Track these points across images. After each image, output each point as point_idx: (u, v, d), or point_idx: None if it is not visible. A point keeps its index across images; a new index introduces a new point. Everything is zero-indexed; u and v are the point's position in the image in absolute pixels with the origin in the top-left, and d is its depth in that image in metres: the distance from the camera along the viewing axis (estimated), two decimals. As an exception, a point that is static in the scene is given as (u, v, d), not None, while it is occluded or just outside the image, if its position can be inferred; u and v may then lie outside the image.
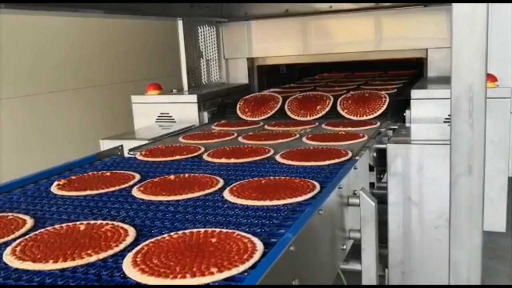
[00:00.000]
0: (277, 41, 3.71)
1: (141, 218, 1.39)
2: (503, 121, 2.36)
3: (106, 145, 2.49)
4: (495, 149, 2.33)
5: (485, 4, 1.20)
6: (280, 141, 2.27)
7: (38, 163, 2.51)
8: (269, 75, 4.13)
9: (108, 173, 1.89)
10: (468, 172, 1.24)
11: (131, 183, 1.74)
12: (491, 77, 2.46)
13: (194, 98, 3.03)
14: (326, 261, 1.44)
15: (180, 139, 2.47)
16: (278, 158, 1.94)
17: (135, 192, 1.61)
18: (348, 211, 1.61)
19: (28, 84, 3.58)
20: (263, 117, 2.98)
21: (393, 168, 2.12)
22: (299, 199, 1.42)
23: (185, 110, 3.03)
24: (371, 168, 2.17)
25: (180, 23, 3.32)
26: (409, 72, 4.19)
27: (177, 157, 2.09)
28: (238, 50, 3.79)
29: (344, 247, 1.57)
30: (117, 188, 1.69)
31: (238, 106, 3.10)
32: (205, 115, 3.05)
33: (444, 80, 2.95)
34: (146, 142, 2.45)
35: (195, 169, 1.92)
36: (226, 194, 1.51)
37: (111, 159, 2.20)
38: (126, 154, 2.31)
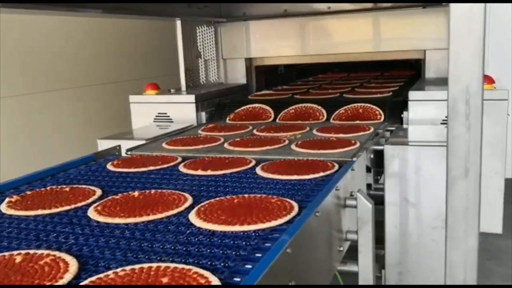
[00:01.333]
0: (275, 42, 3.71)
1: (91, 247, 1.21)
2: (500, 123, 2.36)
3: (103, 145, 2.49)
4: (492, 150, 2.33)
5: (482, 6, 1.20)
6: (267, 147, 2.16)
7: (33, 163, 2.50)
8: (267, 75, 4.14)
9: (67, 188, 1.70)
10: (464, 175, 1.24)
11: (89, 200, 1.57)
12: (488, 79, 2.47)
13: (192, 98, 3.03)
14: (323, 263, 1.44)
15: (163, 144, 2.34)
16: (258, 170, 1.80)
17: (91, 213, 1.44)
18: (345, 212, 1.62)
19: (23, 83, 3.56)
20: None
21: (390, 169, 2.13)
22: (272, 224, 1.26)
23: (183, 110, 3.03)
24: (368, 169, 2.17)
25: (178, 23, 3.32)
26: (406, 74, 4.19)
27: (151, 168, 1.94)
28: (237, 50, 3.79)
29: (341, 248, 1.57)
30: (72, 206, 1.52)
31: (227, 119, 3.01)
32: (203, 115, 3.05)
33: (442, 82, 2.96)
34: (144, 142, 2.45)
35: (165, 183, 1.75)
36: (192, 217, 1.35)
37: (76, 170, 2.01)
38: (123, 153, 2.31)
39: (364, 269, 1.60)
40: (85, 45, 4.14)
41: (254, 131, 2.59)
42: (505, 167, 2.38)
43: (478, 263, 1.35)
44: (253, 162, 1.93)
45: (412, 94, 2.61)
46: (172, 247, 1.18)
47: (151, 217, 1.37)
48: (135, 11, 2.84)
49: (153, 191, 1.61)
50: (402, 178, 2.12)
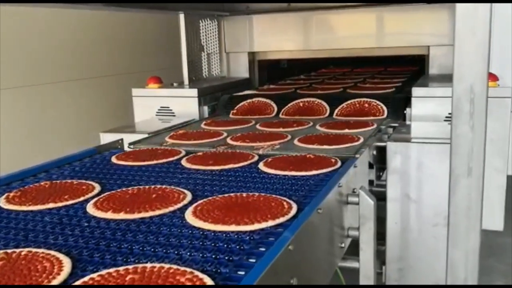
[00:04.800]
0: (278, 36, 3.71)
1: None
2: (503, 120, 2.36)
3: (106, 138, 2.50)
4: (494, 148, 2.33)
5: (488, 6, 1.20)
6: (231, 166, 1.81)
7: (35, 156, 2.50)
8: (270, 69, 4.13)
9: None
10: (467, 174, 1.24)
11: None
12: (492, 76, 2.46)
13: (194, 92, 3.03)
14: (324, 260, 1.45)
15: (113, 158, 2.01)
16: (188, 215, 1.32)
17: None
18: (347, 209, 1.62)
19: (24, 76, 3.56)
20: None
21: (393, 165, 2.13)
22: None
23: (185, 104, 3.04)
24: (370, 166, 2.17)
25: (181, 17, 3.31)
26: (409, 69, 4.17)
27: (50, 205, 1.46)
28: (239, 44, 3.79)
29: (343, 245, 1.58)
30: None
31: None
32: (205, 109, 3.05)
33: (446, 78, 2.95)
34: (146, 135, 2.45)
35: (56, 233, 1.27)
36: None
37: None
38: (126, 148, 2.31)
39: (365, 265, 1.61)
40: (87, 37, 4.12)
41: (228, 140, 2.25)
42: (507, 164, 2.38)
43: (479, 261, 1.35)
44: (188, 197, 1.47)
45: (416, 91, 2.61)
46: None
47: None
48: (138, 5, 2.83)
49: (25, 251, 1.15)
50: (404, 175, 2.12)
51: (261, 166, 1.79)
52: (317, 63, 4.79)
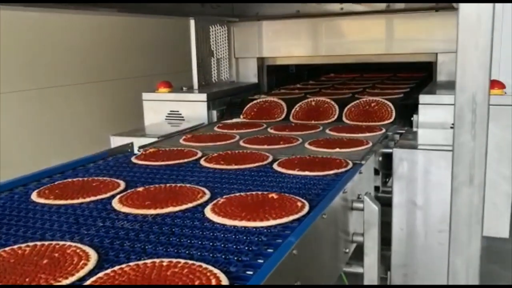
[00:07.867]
0: (287, 41, 3.74)
1: None
2: (509, 128, 2.37)
3: (116, 141, 2.54)
4: (501, 155, 2.34)
5: (490, 17, 1.22)
6: (170, 210, 1.41)
7: (48, 158, 2.55)
8: (278, 74, 4.16)
9: None
10: (469, 182, 1.26)
11: None
12: (499, 84, 2.48)
13: (203, 97, 3.07)
14: (329, 264, 1.47)
15: (34, 195, 1.61)
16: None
17: None
18: (352, 215, 1.64)
19: (33, 78, 3.60)
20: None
21: (399, 172, 2.15)
22: None
23: (194, 108, 3.08)
24: (376, 172, 2.19)
25: (192, 22, 3.36)
26: (414, 76, 4.15)
27: None
28: (249, 50, 3.83)
29: (347, 250, 1.60)
30: None
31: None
32: (214, 113, 3.09)
33: (454, 85, 2.95)
34: (156, 139, 2.49)
35: None
36: None
37: None
38: (136, 151, 2.34)
39: (369, 271, 1.63)
40: (98, 40, 4.17)
41: (202, 162, 1.98)
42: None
43: (484, 267, 1.37)
44: (91, 265, 1.09)
45: (423, 98, 2.62)
46: None
47: None
48: (149, 11, 2.88)
49: None
50: (410, 181, 2.14)
51: (207, 211, 1.39)
52: (325, 69, 4.82)
